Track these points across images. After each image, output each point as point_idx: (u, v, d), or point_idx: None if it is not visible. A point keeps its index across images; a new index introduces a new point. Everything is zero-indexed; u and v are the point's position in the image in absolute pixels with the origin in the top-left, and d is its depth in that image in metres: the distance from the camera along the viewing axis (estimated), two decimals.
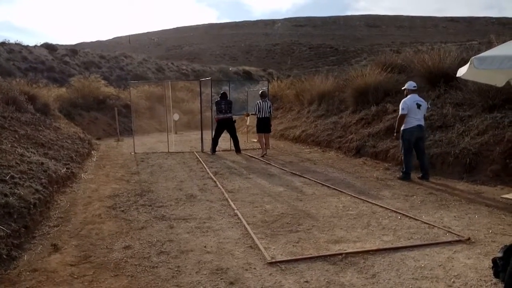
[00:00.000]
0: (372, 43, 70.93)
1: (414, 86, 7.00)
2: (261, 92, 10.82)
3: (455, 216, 4.73)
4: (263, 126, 10.38)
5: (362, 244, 3.89)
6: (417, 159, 6.98)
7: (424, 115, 6.95)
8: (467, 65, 4.16)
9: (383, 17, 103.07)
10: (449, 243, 3.86)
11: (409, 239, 4.01)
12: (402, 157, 7.06)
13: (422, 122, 6.82)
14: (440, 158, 7.18)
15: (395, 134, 7.28)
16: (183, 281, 3.18)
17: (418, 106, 6.75)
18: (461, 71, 4.56)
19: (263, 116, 10.31)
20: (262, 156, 10.04)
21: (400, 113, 6.87)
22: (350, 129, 10.55)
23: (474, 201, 5.34)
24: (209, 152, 10.83)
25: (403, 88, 7.22)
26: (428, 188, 6.19)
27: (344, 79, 13.52)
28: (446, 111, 8.21)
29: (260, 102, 10.32)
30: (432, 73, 9.45)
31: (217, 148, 11.08)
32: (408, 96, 6.87)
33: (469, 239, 3.93)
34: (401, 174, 7.03)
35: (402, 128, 6.85)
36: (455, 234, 4.08)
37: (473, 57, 3.99)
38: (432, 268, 3.31)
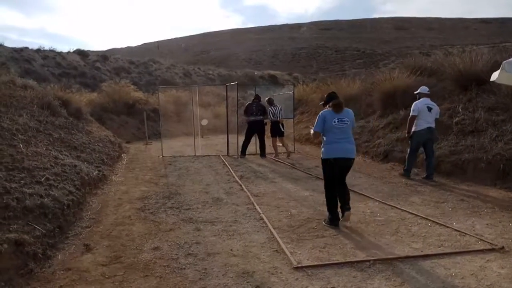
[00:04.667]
0: (400, 45, 69.71)
1: (428, 91, 7.41)
2: (269, 99, 11.13)
3: (487, 224, 4.58)
4: (278, 129, 10.86)
5: (390, 251, 3.83)
6: (425, 159, 7.35)
7: (436, 118, 7.27)
8: (499, 69, 4.05)
9: (411, 19, 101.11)
10: (482, 251, 3.75)
11: (439, 247, 3.92)
12: (407, 155, 7.49)
13: (432, 125, 7.16)
14: (472, 164, 6.98)
15: (407, 135, 7.58)
16: (210, 283, 3.22)
17: (429, 109, 7.12)
18: (494, 76, 4.45)
19: (277, 120, 10.81)
20: (276, 156, 10.66)
21: (410, 114, 7.28)
22: (377, 133, 10.39)
23: (508, 209, 5.15)
24: (237, 156, 10.88)
25: (415, 92, 7.59)
26: (460, 194, 6.02)
27: (371, 83, 13.33)
28: (478, 115, 7.97)
29: (272, 108, 10.82)
30: (463, 76, 9.20)
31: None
32: (420, 99, 7.27)
33: (502, 248, 3.80)
34: (402, 171, 7.55)
35: (413, 130, 7.25)
36: (488, 242, 3.96)
37: (504, 62, 3.90)
38: (463, 277, 3.22)
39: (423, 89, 7.42)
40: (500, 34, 68.96)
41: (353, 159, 4.76)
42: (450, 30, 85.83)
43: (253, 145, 11.47)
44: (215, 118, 18.55)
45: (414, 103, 7.29)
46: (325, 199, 4.87)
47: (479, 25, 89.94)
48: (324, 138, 4.80)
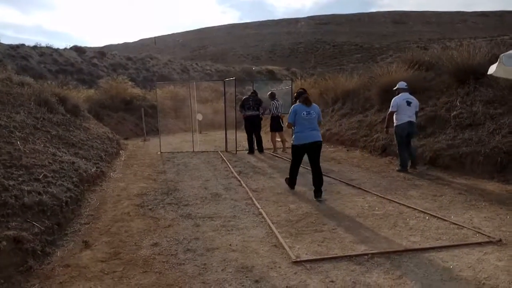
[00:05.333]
0: (398, 39, 69.65)
1: (406, 86, 7.64)
2: (272, 93, 11.10)
3: (485, 217, 4.60)
4: (278, 124, 10.87)
5: (388, 245, 3.85)
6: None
7: (416, 112, 7.51)
8: (497, 62, 4.05)
9: (409, 13, 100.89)
10: (479, 244, 3.77)
11: (437, 240, 3.94)
12: (398, 151, 7.65)
13: (413, 119, 7.40)
14: (469, 157, 6.99)
15: (385, 130, 8.04)
16: (209, 278, 3.23)
17: (408, 103, 7.36)
18: (492, 69, 4.45)
19: (278, 115, 10.83)
20: (274, 151, 10.72)
21: (389, 110, 7.55)
22: (375, 127, 10.39)
23: (506, 202, 5.17)
24: (235, 152, 10.89)
25: (394, 88, 7.81)
26: (458, 188, 6.04)
27: (369, 77, 13.31)
28: (476, 108, 7.97)
29: (275, 102, 10.83)
30: (461, 70, 9.18)
31: (239, 148, 11.14)
32: (399, 95, 7.52)
33: (500, 240, 3.82)
34: (399, 167, 7.55)
35: (395, 124, 7.48)
36: (485, 235, 3.98)
37: (502, 55, 3.89)
38: (461, 270, 3.24)
39: (401, 84, 7.67)
40: (498, 27, 68.93)
41: (321, 141, 5.83)
42: (448, 23, 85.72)
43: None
44: (213, 113, 18.54)
45: (393, 98, 7.53)
46: (289, 176, 6.24)
47: (477, 19, 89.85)
48: (295, 128, 5.84)
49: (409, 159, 7.52)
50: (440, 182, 6.48)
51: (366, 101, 12.16)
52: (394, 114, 7.48)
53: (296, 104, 5.94)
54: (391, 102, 7.52)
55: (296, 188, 6.43)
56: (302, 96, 5.89)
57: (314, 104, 5.95)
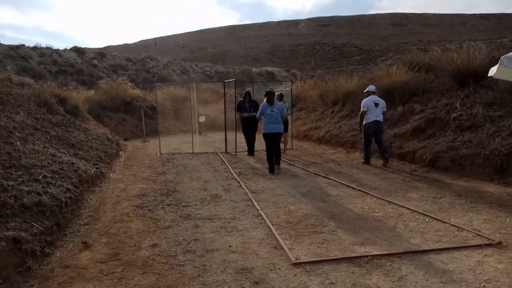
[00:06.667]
0: (398, 41, 69.78)
1: (375, 89, 8.59)
2: (280, 94, 11.07)
3: (485, 219, 4.60)
4: (284, 125, 10.66)
5: (388, 247, 3.84)
6: (378, 149, 8.60)
7: (383, 112, 8.37)
8: (498, 64, 4.06)
9: (409, 15, 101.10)
10: (479, 246, 3.76)
11: (437, 242, 3.93)
12: (363, 146, 8.71)
13: (379, 118, 8.27)
14: (469, 159, 7.00)
15: (358, 128, 9.11)
16: (208, 280, 3.22)
17: (376, 105, 8.25)
18: (492, 71, 4.45)
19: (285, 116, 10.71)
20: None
21: (361, 110, 8.42)
22: None
23: (505, 204, 5.17)
24: (235, 153, 10.89)
25: (365, 91, 8.74)
26: (457, 190, 6.04)
27: (369, 79, 13.32)
28: (475, 111, 7.98)
29: (282, 103, 10.63)
30: (461, 72, 9.20)
31: (239, 149, 11.13)
32: (369, 97, 8.40)
33: (500, 242, 3.81)
34: (363, 160, 8.69)
35: (363, 123, 8.36)
36: (485, 237, 3.97)
37: (503, 56, 3.90)
38: (461, 272, 3.24)
39: (371, 87, 8.61)
40: (498, 29, 69.11)
41: (281, 132, 8.08)
42: (448, 26, 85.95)
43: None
44: (213, 115, 18.53)
45: (363, 100, 8.47)
46: (267, 160, 8.09)
47: (477, 21, 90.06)
48: (263, 120, 7.93)
49: (382, 157, 8.38)
50: (440, 184, 6.48)
51: None
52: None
53: (264, 103, 7.88)
54: (362, 103, 8.42)
55: (296, 189, 6.44)
56: (266, 97, 7.89)
57: (278, 102, 8.12)
